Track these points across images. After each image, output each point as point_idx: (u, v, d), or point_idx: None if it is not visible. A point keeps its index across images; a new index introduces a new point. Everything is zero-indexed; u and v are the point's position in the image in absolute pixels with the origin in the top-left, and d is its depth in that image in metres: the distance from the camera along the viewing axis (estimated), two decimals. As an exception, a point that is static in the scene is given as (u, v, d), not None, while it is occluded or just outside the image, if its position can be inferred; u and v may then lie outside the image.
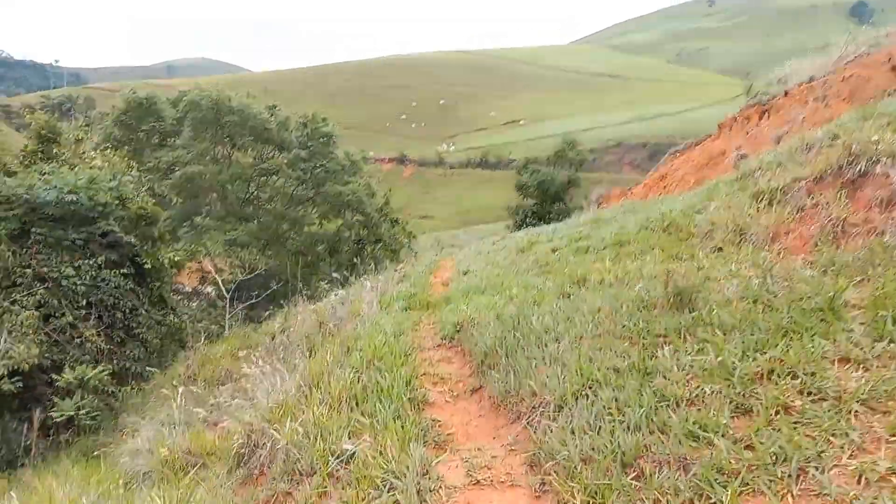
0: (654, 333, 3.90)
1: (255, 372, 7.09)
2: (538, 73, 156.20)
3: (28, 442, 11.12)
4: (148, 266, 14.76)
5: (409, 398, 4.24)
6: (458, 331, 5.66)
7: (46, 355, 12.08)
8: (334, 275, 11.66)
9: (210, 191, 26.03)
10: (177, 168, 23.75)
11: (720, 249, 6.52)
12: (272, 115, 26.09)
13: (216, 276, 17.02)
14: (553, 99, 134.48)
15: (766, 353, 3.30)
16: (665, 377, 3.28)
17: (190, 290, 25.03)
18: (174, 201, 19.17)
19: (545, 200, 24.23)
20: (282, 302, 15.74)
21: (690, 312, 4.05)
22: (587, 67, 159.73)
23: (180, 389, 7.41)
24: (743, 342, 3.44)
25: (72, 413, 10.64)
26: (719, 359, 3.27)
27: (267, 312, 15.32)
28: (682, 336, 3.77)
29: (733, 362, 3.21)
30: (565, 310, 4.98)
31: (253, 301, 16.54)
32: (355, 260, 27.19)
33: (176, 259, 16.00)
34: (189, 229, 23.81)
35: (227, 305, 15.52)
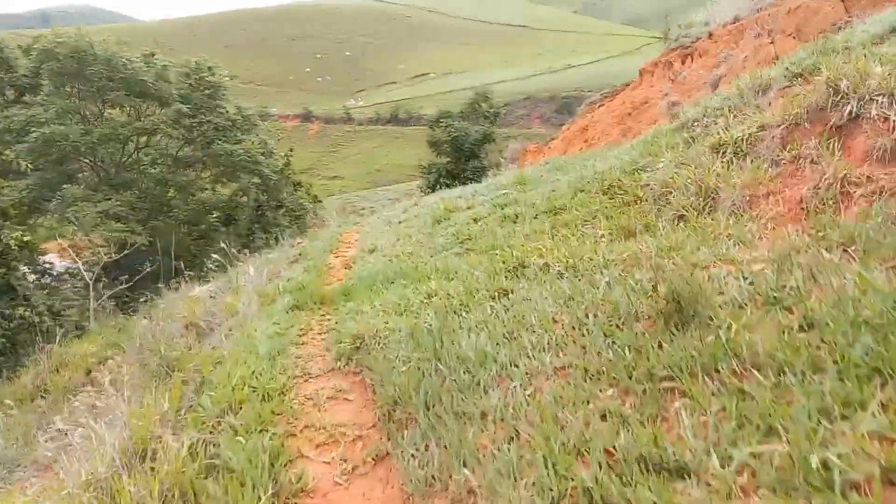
0: (654, 374, 2.50)
1: (85, 405, 5.31)
2: (446, 24, 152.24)
3: None
4: (-12, 249, 12.15)
5: (273, 491, 2.66)
6: (359, 347, 4.10)
7: None
8: (215, 256, 9.71)
9: (79, 155, 22.63)
10: (32, 129, 20.26)
11: (682, 218, 5.28)
12: (148, 64, 22.78)
13: (75, 258, 14.43)
14: (461, 51, 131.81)
15: (857, 426, 1.96)
16: (706, 482, 1.87)
17: (63, 270, 21.92)
18: (26, 168, 16.07)
19: (460, 158, 22.70)
20: (161, 285, 13.59)
21: (700, 333, 2.68)
22: (495, 17, 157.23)
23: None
24: (807, 397, 2.10)
25: None
26: (788, 448, 1.90)
27: (143, 299, 13.10)
28: (700, 380, 2.39)
29: (819, 457, 1.84)
30: (505, 321, 3.53)
31: (122, 287, 14.13)
32: (253, 228, 24.84)
33: (26, 239, 13.32)
34: (58, 201, 20.57)
35: (91, 292, 13.13)
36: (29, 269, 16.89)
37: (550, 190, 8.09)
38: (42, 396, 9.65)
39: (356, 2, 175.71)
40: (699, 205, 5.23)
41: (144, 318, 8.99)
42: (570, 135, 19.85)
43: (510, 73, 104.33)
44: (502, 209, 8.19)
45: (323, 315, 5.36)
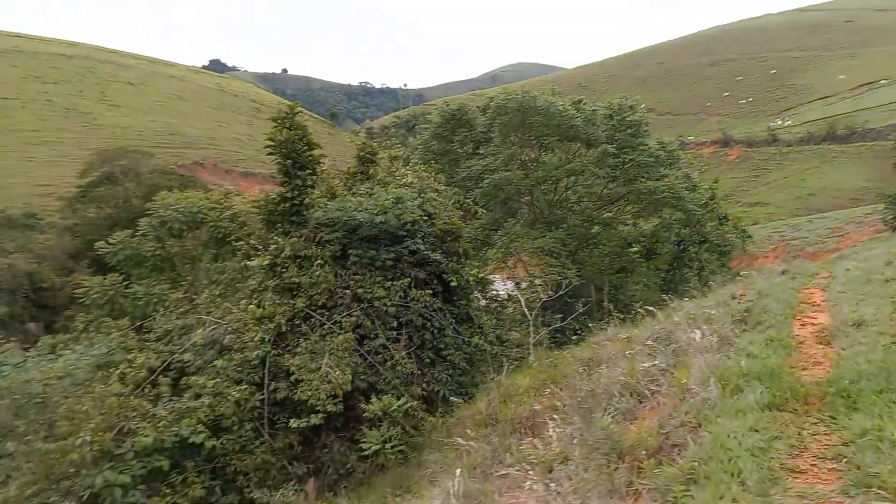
0: None
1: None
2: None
3: (349, 466, 11.33)
4: (454, 283, 14.35)
5: None
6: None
7: (362, 377, 12.29)
8: (644, 308, 9.28)
9: (518, 196, 25.63)
10: (485, 176, 23.80)
11: None
12: (578, 110, 24.43)
13: (519, 296, 15.99)
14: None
15: None
16: None
17: (506, 296, 24.85)
18: (479, 213, 18.78)
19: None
20: (589, 325, 13.98)
21: None
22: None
23: (457, 472, 6.02)
24: None
25: (378, 446, 10.44)
26: None
27: (575, 336, 13.66)
28: None
29: None
30: None
31: (555, 326, 15.01)
32: (674, 264, 23.98)
33: (480, 276, 15.38)
34: (502, 235, 23.61)
35: (531, 328, 14.28)
36: (481, 296, 19.61)
37: None
38: (492, 425, 10.75)
39: (784, 14, 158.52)
40: None
41: (577, 363, 9.10)
42: None
43: None
44: None
45: (815, 424, 4.26)
